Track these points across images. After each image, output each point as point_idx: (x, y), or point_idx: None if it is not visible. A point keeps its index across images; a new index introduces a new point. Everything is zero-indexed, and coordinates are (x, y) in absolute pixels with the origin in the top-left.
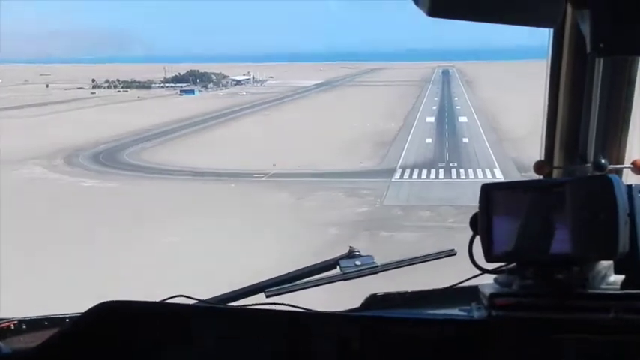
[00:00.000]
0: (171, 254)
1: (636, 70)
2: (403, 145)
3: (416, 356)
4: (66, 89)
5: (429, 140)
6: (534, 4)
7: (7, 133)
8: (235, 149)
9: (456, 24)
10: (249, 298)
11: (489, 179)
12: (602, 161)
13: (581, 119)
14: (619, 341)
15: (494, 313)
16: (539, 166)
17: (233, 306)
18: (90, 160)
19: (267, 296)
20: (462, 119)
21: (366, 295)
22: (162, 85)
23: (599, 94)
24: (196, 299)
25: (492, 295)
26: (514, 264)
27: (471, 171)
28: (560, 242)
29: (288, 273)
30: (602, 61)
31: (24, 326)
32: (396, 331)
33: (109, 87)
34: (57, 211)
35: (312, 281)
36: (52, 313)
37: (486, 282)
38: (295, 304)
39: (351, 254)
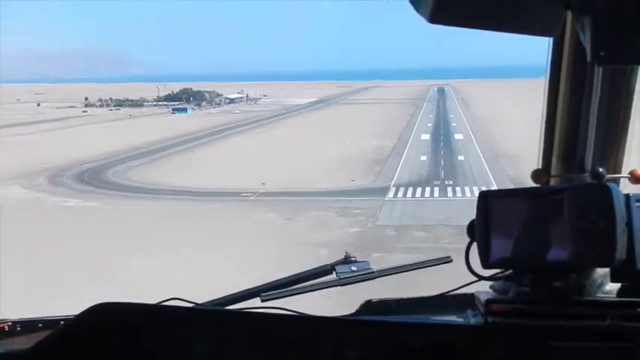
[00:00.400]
0: (149, 281)
1: (635, 80)
2: (397, 162)
3: None
4: (58, 108)
5: (423, 157)
6: (535, 14)
7: None
8: (224, 168)
9: (453, 42)
10: (244, 302)
11: None
12: (600, 170)
13: (580, 128)
14: (615, 348)
15: (490, 319)
16: (536, 175)
17: (228, 309)
18: (74, 179)
19: (263, 300)
20: (458, 136)
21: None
22: (155, 103)
23: (597, 103)
24: (191, 302)
25: (488, 302)
26: (511, 271)
27: (467, 189)
28: (558, 249)
29: (284, 278)
30: (601, 70)
31: (18, 328)
32: (391, 337)
33: (101, 106)
34: (27, 231)
35: (308, 286)
36: (47, 316)
37: (483, 289)
38: (291, 309)
39: (347, 260)
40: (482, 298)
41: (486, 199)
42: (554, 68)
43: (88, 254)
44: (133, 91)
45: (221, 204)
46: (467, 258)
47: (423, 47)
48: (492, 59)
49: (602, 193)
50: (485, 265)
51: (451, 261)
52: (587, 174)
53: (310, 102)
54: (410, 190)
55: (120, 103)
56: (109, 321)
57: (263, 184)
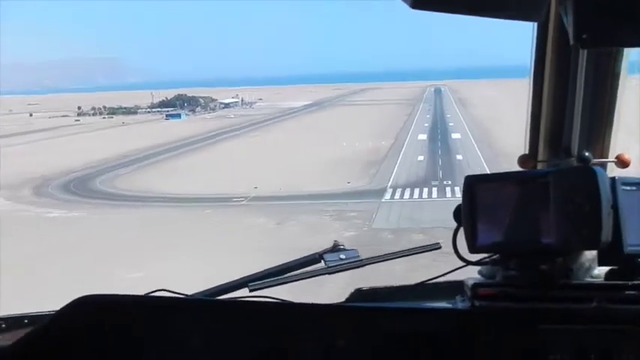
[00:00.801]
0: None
1: (620, 64)
2: (394, 162)
3: (398, 347)
4: (50, 118)
5: (421, 158)
6: None
7: None
8: (215, 173)
9: (450, 43)
10: (233, 293)
11: None
12: (586, 154)
13: (566, 113)
14: (601, 331)
15: (477, 303)
16: (523, 160)
17: (217, 299)
18: (59, 189)
19: (251, 290)
20: (456, 135)
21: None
22: (148, 110)
23: (583, 87)
24: (179, 293)
25: (475, 286)
26: (498, 255)
27: None
28: (544, 233)
29: (272, 267)
30: (585, 54)
31: (3, 325)
32: (379, 323)
33: (94, 114)
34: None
35: (297, 275)
36: (33, 311)
37: (473, 275)
38: (279, 298)
39: (336, 248)
40: (470, 283)
41: (472, 183)
42: (539, 53)
43: (66, 267)
44: (128, 99)
45: (211, 210)
46: (454, 243)
47: (420, 49)
48: (490, 59)
49: (588, 175)
50: (472, 249)
51: (440, 248)
52: (573, 159)
53: (306, 105)
54: (407, 192)
55: (113, 111)
56: (94, 312)
57: (255, 187)
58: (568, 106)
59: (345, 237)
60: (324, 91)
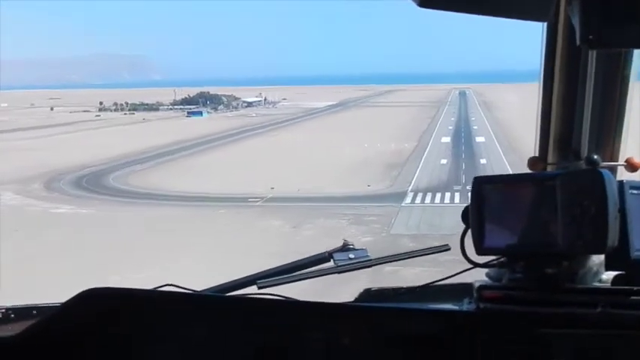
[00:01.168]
0: None
1: (630, 66)
2: (416, 166)
3: (402, 347)
4: (71, 112)
5: (444, 161)
6: None
7: None
8: (232, 172)
9: (476, 46)
10: (241, 290)
11: None
12: (595, 157)
13: (575, 115)
14: (605, 336)
15: (482, 305)
16: (533, 162)
17: (224, 295)
18: (71, 184)
19: (260, 288)
20: (480, 139)
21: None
22: (170, 107)
23: (592, 89)
24: (186, 289)
25: (481, 288)
26: (505, 258)
27: None
28: (550, 236)
29: (281, 265)
30: (595, 56)
31: (12, 315)
32: (384, 323)
33: (116, 110)
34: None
35: (305, 274)
36: (41, 303)
37: (483, 278)
38: (288, 296)
39: (345, 247)
40: (477, 285)
41: (481, 185)
42: (549, 55)
43: (64, 267)
44: (151, 96)
45: (225, 210)
46: (462, 245)
47: (447, 52)
48: (515, 63)
49: (595, 178)
50: (479, 251)
51: (449, 249)
52: (582, 162)
53: (329, 105)
54: (429, 196)
55: (134, 107)
56: (101, 305)
57: (272, 188)
58: (578, 108)
59: (362, 242)
60: (350, 92)
